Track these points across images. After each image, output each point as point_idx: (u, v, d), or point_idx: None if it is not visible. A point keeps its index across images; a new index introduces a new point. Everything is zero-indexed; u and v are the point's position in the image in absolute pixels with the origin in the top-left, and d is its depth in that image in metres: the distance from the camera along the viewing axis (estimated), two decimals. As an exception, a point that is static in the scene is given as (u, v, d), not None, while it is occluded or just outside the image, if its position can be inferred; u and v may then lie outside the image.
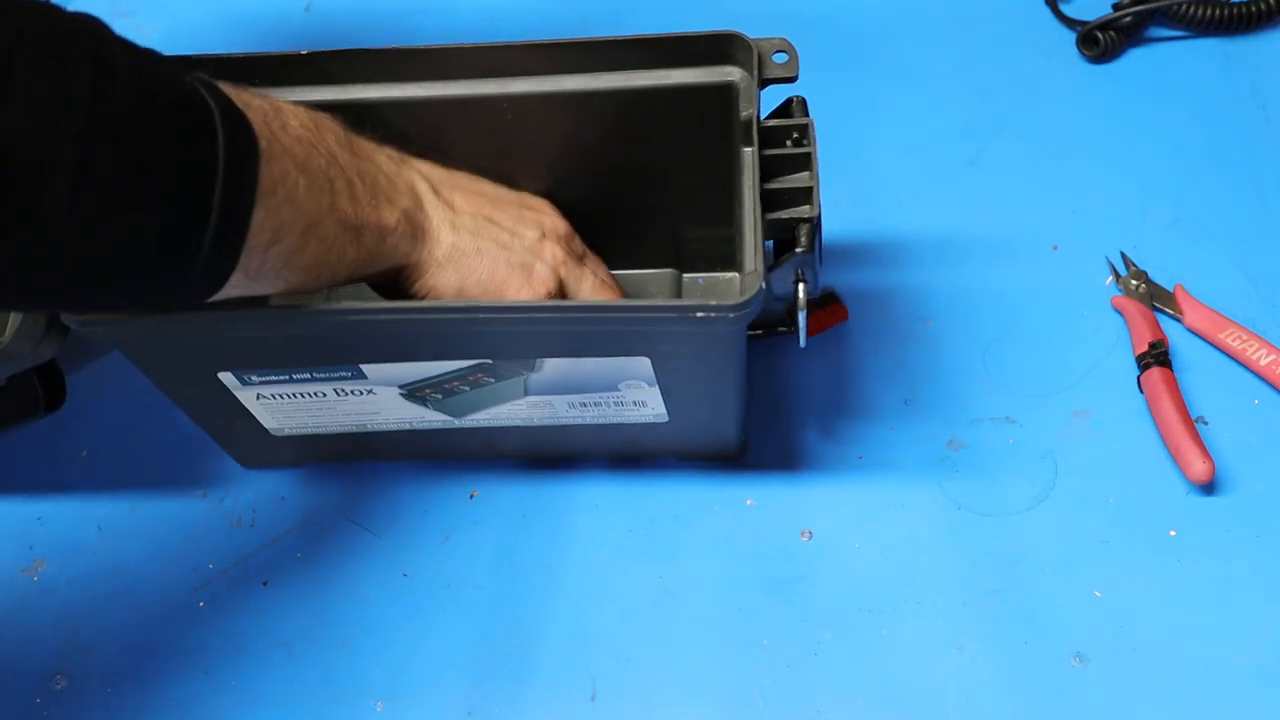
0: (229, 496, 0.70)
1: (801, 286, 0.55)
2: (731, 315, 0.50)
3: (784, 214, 0.53)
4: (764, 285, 0.50)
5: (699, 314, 0.50)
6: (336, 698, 0.62)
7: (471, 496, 0.68)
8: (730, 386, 0.59)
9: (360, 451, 0.68)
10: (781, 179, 0.54)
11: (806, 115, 0.56)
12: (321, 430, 0.64)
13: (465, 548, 0.67)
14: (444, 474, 0.69)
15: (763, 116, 0.57)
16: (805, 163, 0.54)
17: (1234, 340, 0.68)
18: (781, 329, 0.72)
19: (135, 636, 0.65)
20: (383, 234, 0.52)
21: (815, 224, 0.53)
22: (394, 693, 0.62)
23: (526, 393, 0.60)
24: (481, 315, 0.53)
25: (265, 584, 0.66)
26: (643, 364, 0.56)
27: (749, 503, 0.67)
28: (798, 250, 0.53)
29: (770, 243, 0.56)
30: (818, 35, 0.87)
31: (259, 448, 0.67)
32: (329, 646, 0.64)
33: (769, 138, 0.55)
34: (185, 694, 0.63)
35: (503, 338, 0.55)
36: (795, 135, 0.55)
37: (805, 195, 0.54)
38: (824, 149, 0.56)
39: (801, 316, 0.56)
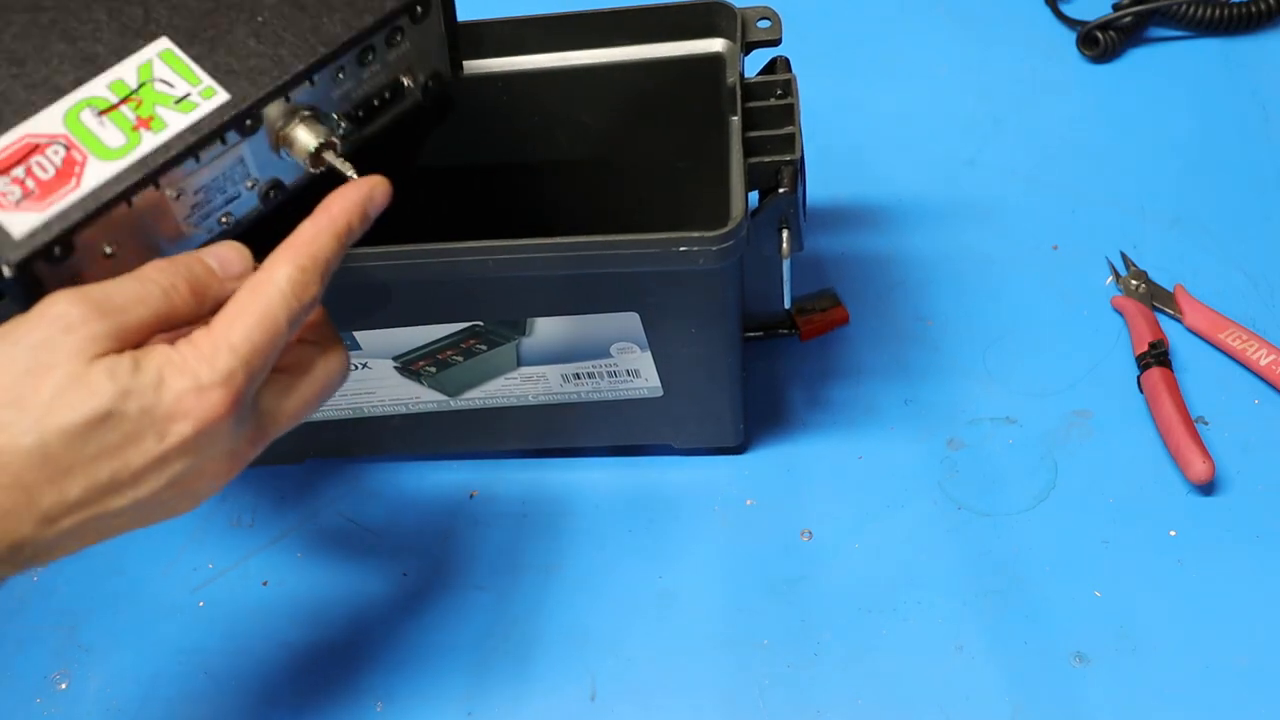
0: (229, 496, 0.70)
1: (786, 234, 0.56)
2: (714, 249, 0.51)
3: (767, 159, 0.54)
4: (746, 222, 0.51)
5: (681, 247, 0.51)
6: (336, 698, 0.62)
7: (471, 496, 0.69)
8: (722, 352, 0.59)
9: (359, 444, 0.69)
10: (765, 129, 0.55)
11: (790, 72, 0.57)
12: (319, 415, 0.64)
13: (465, 548, 0.67)
14: (444, 474, 0.69)
15: (748, 76, 0.58)
16: (789, 115, 0.55)
17: (1234, 340, 0.68)
18: (782, 330, 0.72)
19: (135, 636, 0.65)
20: None
21: (798, 166, 0.54)
22: (394, 693, 0.62)
23: (519, 363, 0.60)
24: (465, 259, 0.53)
25: (265, 584, 0.66)
26: (632, 321, 0.57)
27: (749, 503, 0.67)
28: (780, 190, 0.54)
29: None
30: (818, 34, 0.87)
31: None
32: (329, 646, 0.64)
33: (754, 93, 0.56)
34: (185, 694, 0.63)
35: (489, 286, 0.55)
36: (779, 91, 0.56)
37: (788, 143, 0.54)
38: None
39: (786, 266, 0.57)
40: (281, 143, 0.48)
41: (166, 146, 0.45)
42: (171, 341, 0.43)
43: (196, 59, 0.47)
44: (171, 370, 0.42)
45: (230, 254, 0.45)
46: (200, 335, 0.43)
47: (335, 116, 0.50)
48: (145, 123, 0.45)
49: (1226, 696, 0.58)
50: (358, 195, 0.46)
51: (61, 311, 0.41)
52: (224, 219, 0.49)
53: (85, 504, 0.42)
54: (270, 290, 0.43)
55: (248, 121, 0.47)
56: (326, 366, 0.47)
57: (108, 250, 0.45)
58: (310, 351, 0.47)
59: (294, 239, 0.45)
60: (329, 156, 0.48)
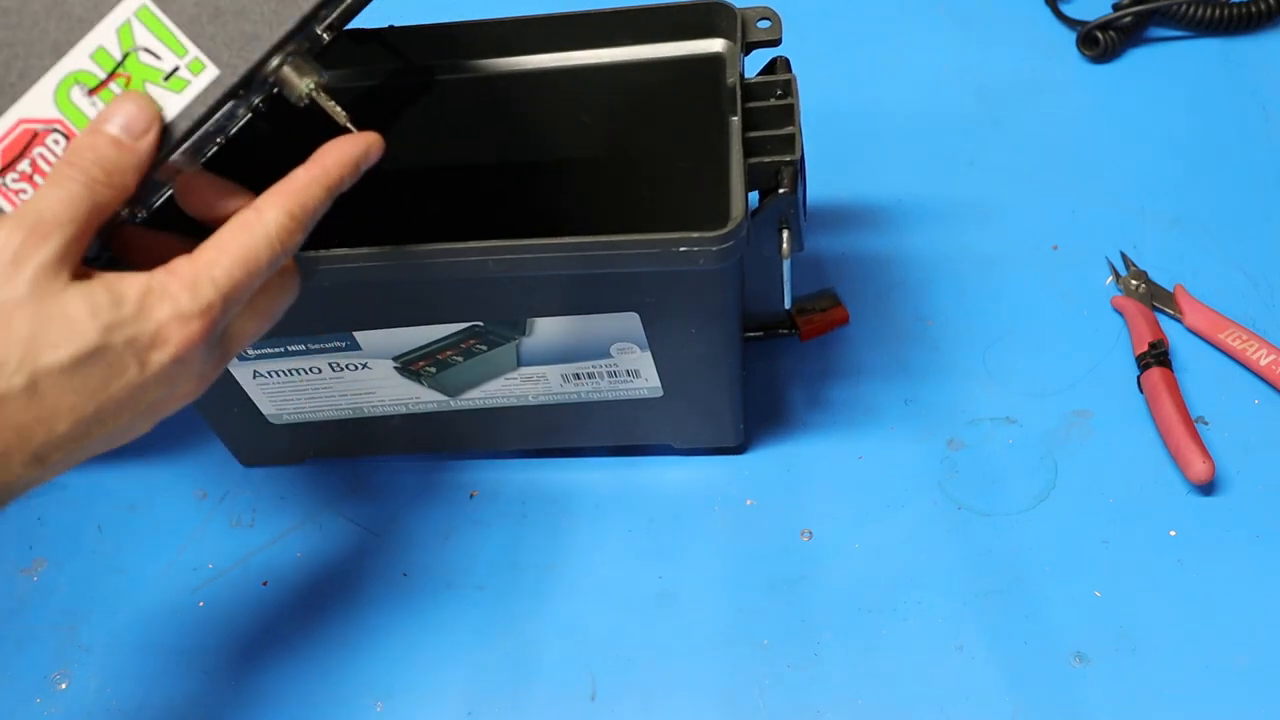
0: (229, 496, 0.70)
1: (786, 234, 0.56)
2: (714, 249, 0.51)
3: (767, 159, 0.54)
4: (746, 222, 0.51)
5: (681, 248, 0.51)
6: (336, 698, 0.62)
7: (471, 496, 0.69)
8: (722, 352, 0.60)
9: (359, 444, 0.69)
10: (766, 130, 0.55)
11: (790, 72, 0.57)
12: (319, 415, 0.65)
13: (465, 548, 0.67)
14: (444, 474, 0.69)
15: (748, 76, 0.58)
16: (789, 115, 0.55)
17: (1234, 340, 0.68)
18: (782, 330, 0.72)
19: (135, 636, 0.65)
20: None
21: (798, 167, 0.54)
22: (394, 693, 0.62)
23: (519, 363, 0.60)
24: (470, 259, 0.53)
25: (265, 584, 0.66)
26: (632, 321, 0.57)
27: (749, 503, 0.67)
28: (780, 190, 0.54)
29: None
30: (818, 34, 0.87)
31: (258, 440, 0.67)
32: (329, 646, 0.64)
33: (754, 93, 0.56)
34: (185, 694, 0.63)
35: (489, 286, 0.55)
36: (779, 91, 0.56)
37: (789, 143, 0.54)
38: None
39: (786, 266, 0.57)
40: (271, 79, 0.47)
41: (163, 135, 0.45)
42: (149, 267, 0.43)
43: (176, 20, 0.45)
44: (153, 298, 0.42)
45: (133, 112, 0.44)
46: (182, 263, 0.43)
47: (319, 32, 0.48)
48: None
49: (1226, 696, 0.58)
50: (354, 150, 0.46)
51: (1, 241, 0.41)
52: (219, 140, 0.48)
53: (73, 439, 0.42)
54: (258, 231, 0.44)
55: (240, 91, 0.46)
56: (282, 289, 0.48)
57: None
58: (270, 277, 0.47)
59: (288, 185, 0.45)
60: (320, 99, 0.48)
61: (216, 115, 0.46)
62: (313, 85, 0.47)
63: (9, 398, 0.40)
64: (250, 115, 0.49)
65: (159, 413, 0.45)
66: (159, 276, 0.43)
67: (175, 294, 0.42)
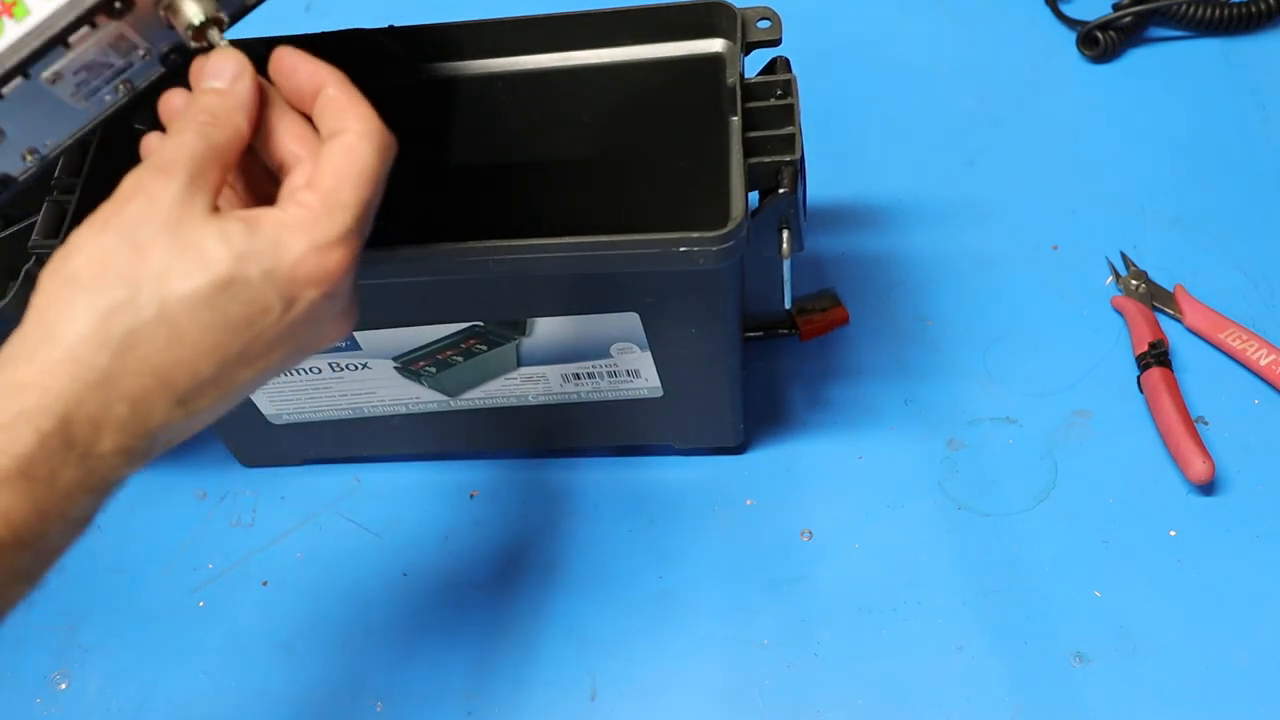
0: (229, 496, 0.70)
1: (786, 234, 0.56)
2: (714, 249, 0.51)
3: (767, 159, 0.54)
4: (746, 222, 0.51)
5: (681, 248, 0.51)
6: (336, 698, 0.62)
7: (471, 496, 0.69)
8: (722, 352, 0.60)
9: (359, 445, 0.69)
10: (766, 130, 0.55)
11: (790, 72, 0.57)
12: (319, 416, 0.65)
13: (465, 548, 0.67)
14: (444, 474, 0.69)
15: (748, 76, 0.58)
16: (789, 115, 0.55)
17: (1234, 340, 0.68)
18: (782, 330, 0.72)
19: (135, 636, 0.65)
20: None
21: (798, 167, 0.54)
22: (394, 693, 0.62)
23: (519, 363, 0.60)
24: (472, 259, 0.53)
25: (265, 584, 0.66)
26: (632, 321, 0.57)
27: (749, 503, 0.67)
28: (780, 190, 0.54)
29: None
30: (818, 34, 0.87)
31: (259, 441, 0.68)
32: (329, 646, 0.64)
33: (754, 93, 0.56)
34: (185, 694, 0.63)
35: (489, 286, 0.55)
36: (779, 91, 0.56)
37: (789, 143, 0.54)
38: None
39: (786, 266, 0.57)
40: (166, 11, 0.45)
41: (27, 39, 0.43)
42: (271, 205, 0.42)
43: None
44: (287, 232, 0.41)
45: (218, 60, 0.44)
46: (305, 196, 0.42)
47: None
48: (8, 9, 0.43)
49: (1226, 696, 0.58)
50: (310, 60, 0.45)
51: (134, 183, 0.41)
52: (121, 87, 0.47)
53: (218, 382, 0.41)
54: (362, 146, 0.42)
55: (116, 4, 0.44)
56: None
57: None
58: None
59: (347, 100, 0.43)
60: (213, 35, 0.45)
61: (90, 27, 0.44)
62: (207, 15, 0.44)
63: (142, 330, 0.39)
64: (163, 69, 0.46)
65: (305, 353, 0.44)
66: (288, 209, 0.41)
67: (309, 225, 0.41)
